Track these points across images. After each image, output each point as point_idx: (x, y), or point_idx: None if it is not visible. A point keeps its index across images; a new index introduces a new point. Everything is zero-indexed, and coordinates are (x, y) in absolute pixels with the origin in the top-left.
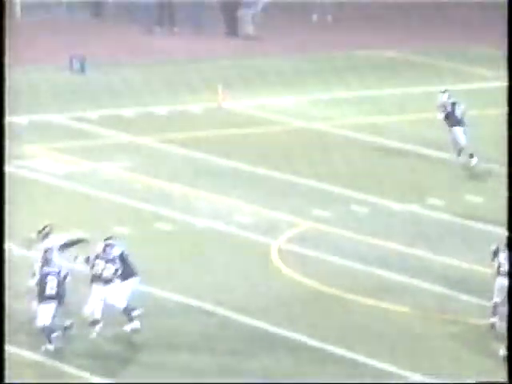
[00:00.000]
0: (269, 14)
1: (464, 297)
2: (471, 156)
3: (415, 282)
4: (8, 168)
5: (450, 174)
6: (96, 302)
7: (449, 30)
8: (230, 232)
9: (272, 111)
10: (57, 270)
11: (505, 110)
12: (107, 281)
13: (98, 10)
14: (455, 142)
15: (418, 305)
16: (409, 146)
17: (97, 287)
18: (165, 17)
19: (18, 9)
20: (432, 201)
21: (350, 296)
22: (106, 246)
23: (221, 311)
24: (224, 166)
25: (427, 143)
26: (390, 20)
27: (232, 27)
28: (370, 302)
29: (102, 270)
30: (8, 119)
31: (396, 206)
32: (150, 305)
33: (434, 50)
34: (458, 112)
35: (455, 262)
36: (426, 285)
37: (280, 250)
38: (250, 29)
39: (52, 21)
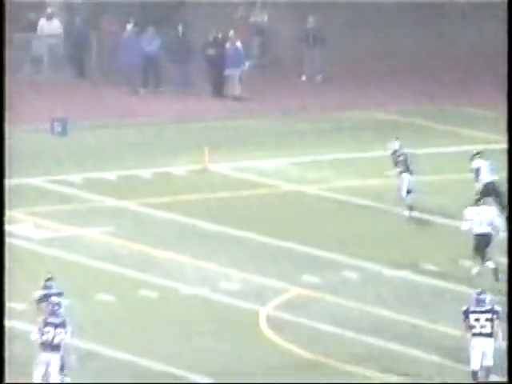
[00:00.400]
0: (256, 74)
1: (459, 366)
2: (411, 208)
3: (407, 350)
4: None
5: (443, 239)
6: None
7: (440, 90)
8: (216, 299)
9: (259, 174)
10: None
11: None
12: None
13: (81, 70)
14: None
15: (409, 373)
16: (398, 210)
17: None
18: (150, 77)
19: None
20: (425, 266)
21: (340, 364)
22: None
23: (209, 380)
24: (210, 230)
25: (418, 208)
26: (379, 80)
27: (218, 87)
28: (360, 369)
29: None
30: None
31: (388, 272)
32: (134, 374)
33: (424, 111)
34: (409, 161)
35: (449, 330)
36: (418, 353)
37: (268, 317)
38: (236, 89)
39: (32, 79)
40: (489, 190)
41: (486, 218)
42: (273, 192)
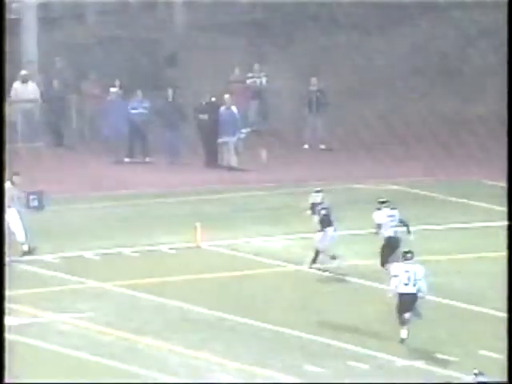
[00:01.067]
0: (254, 142)
1: None
2: (333, 257)
3: None
4: None
5: (461, 326)
6: None
7: (448, 163)
8: None
9: (256, 252)
10: None
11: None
12: None
13: (59, 138)
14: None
15: None
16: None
17: None
18: (136, 145)
19: None
20: (441, 356)
21: None
22: None
23: None
24: (202, 315)
25: (436, 291)
26: (388, 148)
27: (212, 157)
28: None
29: None
30: None
31: (400, 362)
32: None
33: (434, 183)
34: (332, 215)
35: None
36: None
37: None
38: (232, 159)
39: (6, 150)
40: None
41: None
42: (271, 272)
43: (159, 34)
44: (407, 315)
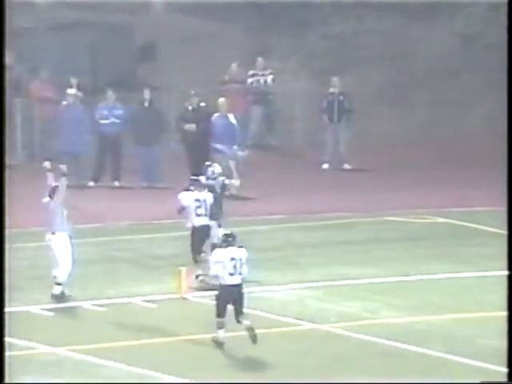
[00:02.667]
0: (258, 161)
1: None
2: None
3: None
4: None
5: None
6: None
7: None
8: None
9: (265, 306)
10: None
11: None
12: None
13: None
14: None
15: None
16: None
17: None
18: (104, 166)
19: None
20: None
21: None
22: None
23: None
24: None
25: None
26: (429, 171)
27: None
28: None
29: None
30: None
31: None
32: None
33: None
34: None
35: None
36: None
37: None
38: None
39: None
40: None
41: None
42: (284, 331)
43: (132, 18)
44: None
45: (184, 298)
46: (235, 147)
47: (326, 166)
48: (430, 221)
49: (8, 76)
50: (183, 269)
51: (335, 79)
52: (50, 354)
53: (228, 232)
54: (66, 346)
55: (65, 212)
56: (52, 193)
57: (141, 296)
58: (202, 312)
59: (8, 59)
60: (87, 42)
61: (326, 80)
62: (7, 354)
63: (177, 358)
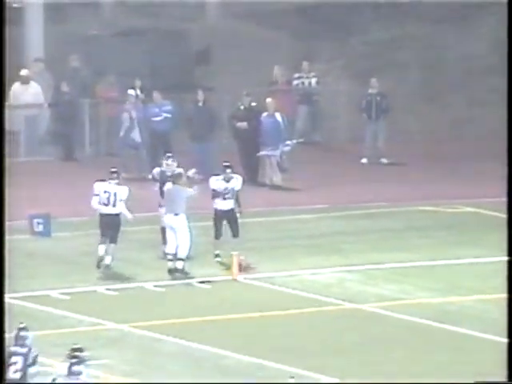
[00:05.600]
0: (302, 156)
1: None
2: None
3: None
4: None
5: None
6: None
7: None
8: None
9: (304, 286)
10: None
11: None
12: None
13: (69, 151)
14: None
15: None
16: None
17: None
18: (158, 158)
19: None
20: None
21: None
22: None
23: None
24: (239, 362)
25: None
26: (463, 164)
27: (251, 173)
28: None
29: None
30: None
31: None
32: None
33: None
34: None
35: None
36: None
37: None
38: (275, 176)
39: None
40: None
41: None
42: (326, 310)
43: (188, 25)
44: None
45: (235, 280)
46: (282, 146)
47: (364, 160)
48: (460, 210)
49: (76, 78)
50: (235, 253)
51: (374, 80)
52: (115, 330)
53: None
54: (128, 322)
55: (186, 195)
56: (176, 179)
57: (196, 278)
58: (251, 292)
59: (76, 63)
60: (147, 47)
61: (366, 81)
62: (76, 329)
63: (232, 333)
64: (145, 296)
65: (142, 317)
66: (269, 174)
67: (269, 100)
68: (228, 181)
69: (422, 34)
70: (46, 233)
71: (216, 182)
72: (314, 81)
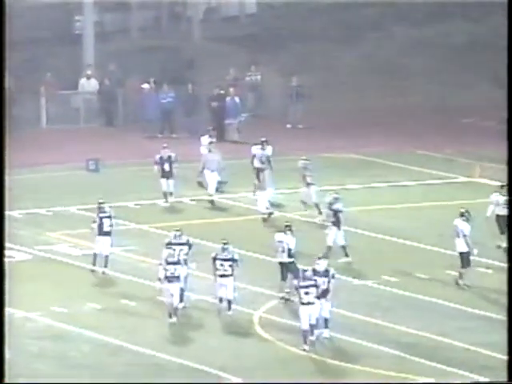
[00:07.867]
0: (251, 123)
1: (415, 358)
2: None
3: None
4: (33, 251)
5: (405, 256)
6: None
7: (399, 137)
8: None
9: (252, 203)
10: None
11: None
12: None
13: (110, 120)
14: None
15: (375, 365)
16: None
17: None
18: (166, 125)
19: (43, 119)
20: (387, 278)
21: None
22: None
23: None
24: (216, 249)
25: (385, 230)
26: (349, 127)
27: (220, 134)
28: (337, 362)
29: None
30: (33, 211)
31: (356, 282)
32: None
33: (385, 153)
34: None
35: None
36: (382, 348)
37: (260, 319)
38: (235, 135)
39: (72, 129)
40: None
41: None
42: (260, 218)
43: (182, 44)
44: None
45: (213, 201)
46: (239, 117)
47: (289, 126)
48: (348, 156)
49: (113, 77)
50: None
51: (294, 78)
52: (138, 229)
53: None
54: (147, 224)
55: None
56: None
57: (187, 197)
58: (221, 207)
59: (113, 67)
60: (157, 58)
61: (290, 78)
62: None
63: (210, 231)
64: (157, 208)
65: (155, 220)
66: (231, 135)
67: (231, 89)
68: (264, 149)
69: (323, 49)
70: (96, 170)
71: (255, 149)
72: (259, 77)
